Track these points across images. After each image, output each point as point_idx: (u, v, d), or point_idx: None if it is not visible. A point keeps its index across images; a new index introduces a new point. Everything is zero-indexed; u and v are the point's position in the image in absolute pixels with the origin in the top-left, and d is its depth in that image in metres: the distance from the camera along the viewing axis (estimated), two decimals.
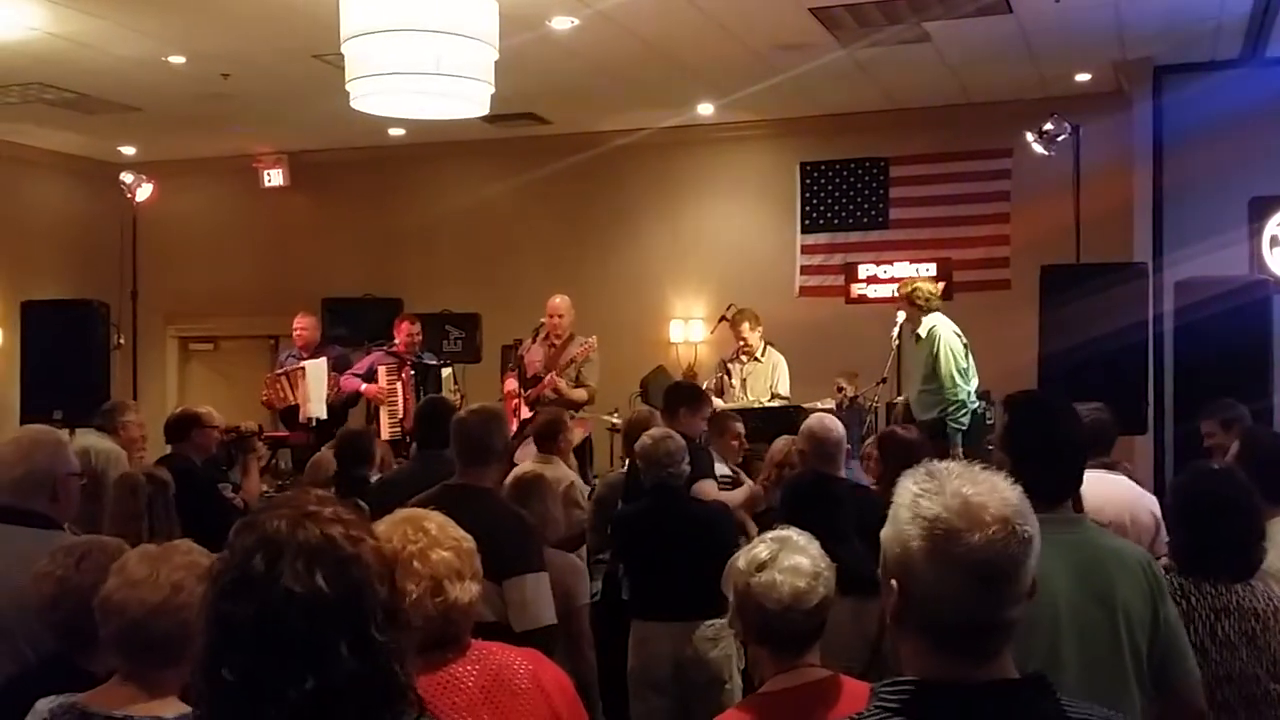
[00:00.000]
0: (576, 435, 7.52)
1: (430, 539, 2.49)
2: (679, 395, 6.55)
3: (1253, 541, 3.50)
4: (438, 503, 2.90)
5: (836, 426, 5.28)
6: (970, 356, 8.35)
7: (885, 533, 1.79)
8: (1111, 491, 4.48)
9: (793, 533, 2.89)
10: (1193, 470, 3.84)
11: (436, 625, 2.45)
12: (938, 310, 8.50)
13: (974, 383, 8.34)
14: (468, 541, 2.56)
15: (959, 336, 8.37)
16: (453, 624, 2.48)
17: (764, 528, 3.02)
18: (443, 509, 2.67)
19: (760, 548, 2.84)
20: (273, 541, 1.59)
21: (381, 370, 9.39)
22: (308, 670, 1.53)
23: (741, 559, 2.84)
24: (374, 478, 6.22)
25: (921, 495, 1.75)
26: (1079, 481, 3.05)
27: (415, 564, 2.45)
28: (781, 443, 6.37)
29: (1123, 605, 2.78)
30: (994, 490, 1.75)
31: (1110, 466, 4.87)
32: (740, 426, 6.83)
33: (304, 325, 9.97)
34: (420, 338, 9.64)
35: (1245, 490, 3.60)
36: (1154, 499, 4.83)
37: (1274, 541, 3.69)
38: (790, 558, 2.80)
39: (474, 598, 2.51)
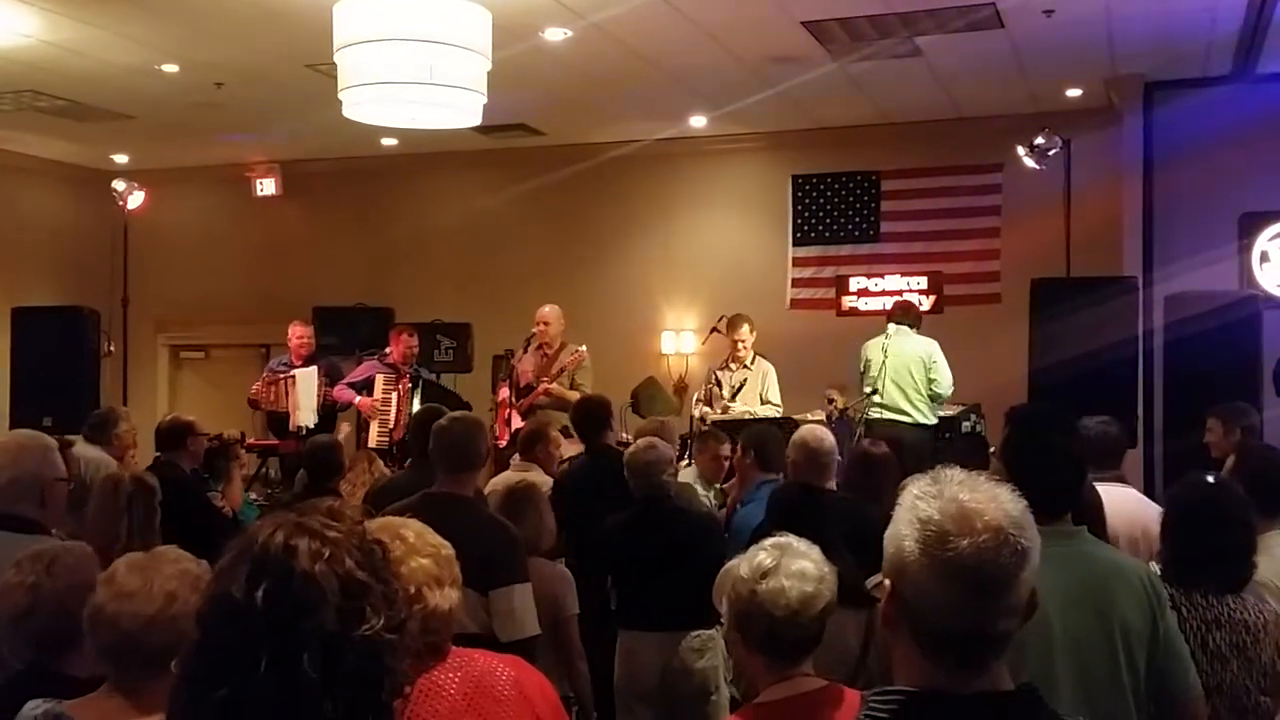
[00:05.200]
0: (569, 452, 7.53)
1: (408, 547, 2.46)
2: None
3: (1243, 554, 3.50)
4: (420, 511, 2.89)
5: (828, 437, 5.27)
6: (868, 368, 8.59)
7: (886, 535, 1.79)
8: (1121, 505, 4.48)
9: (791, 539, 2.86)
10: (1188, 482, 3.85)
11: (416, 633, 2.43)
12: (904, 327, 8.68)
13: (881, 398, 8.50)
14: (446, 548, 2.53)
15: (874, 348, 8.61)
16: (433, 632, 2.44)
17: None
18: (425, 518, 2.65)
19: (762, 555, 2.81)
20: (242, 545, 1.59)
21: (379, 379, 9.36)
22: (225, 679, 1.53)
23: (744, 567, 2.81)
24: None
25: (921, 498, 1.75)
26: (1077, 494, 3.04)
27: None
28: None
29: (1120, 619, 2.76)
30: (993, 499, 1.74)
31: (1120, 480, 4.89)
32: (726, 448, 6.69)
33: (305, 335, 9.92)
34: (417, 350, 9.62)
35: (1239, 502, 3.61)
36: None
37: (1268, 554, 3.70)
38: (795, 563, 2.78)
39: (454, 605, 2.49)
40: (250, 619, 1.53)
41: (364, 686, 1.57)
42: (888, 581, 1.78)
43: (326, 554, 1.58)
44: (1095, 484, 4.17)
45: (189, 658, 1.58)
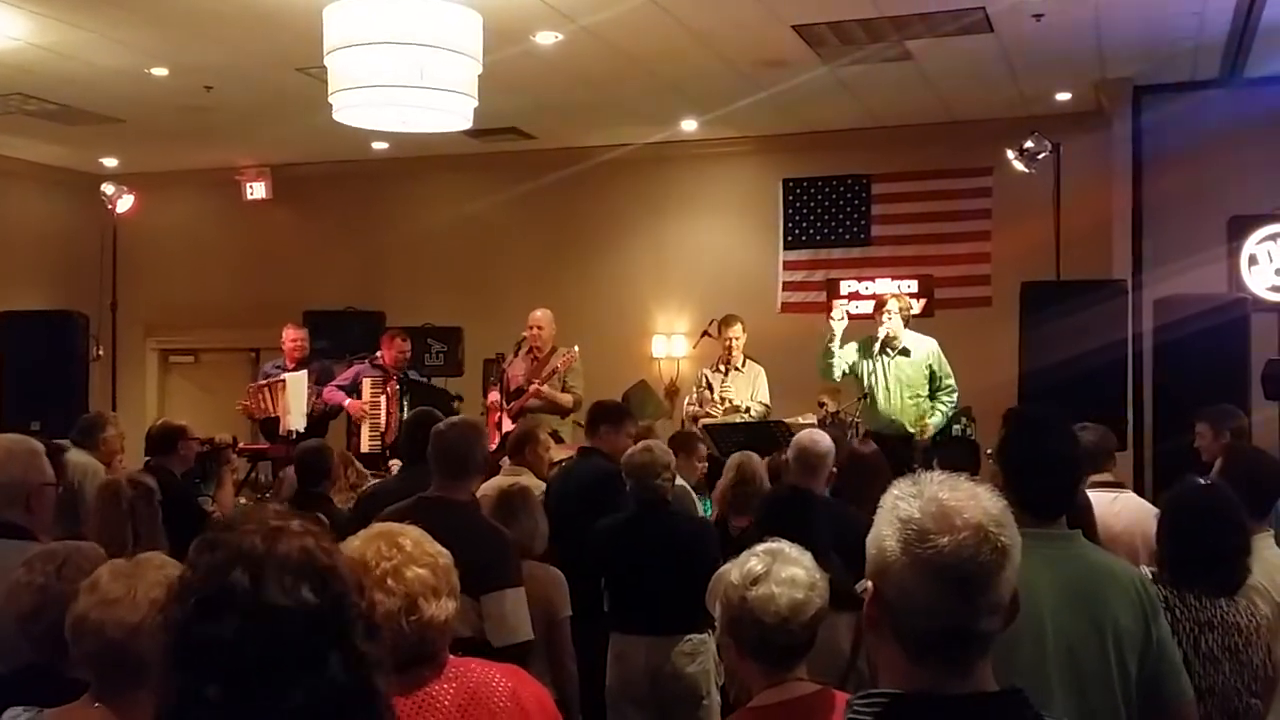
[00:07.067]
0: (559, 455, 7.52)
1: (405, 555, 2.42)
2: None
3: (1238, 556, 3.51)
4: (413, 516, 2.85)
5: (824, 440, 5.32)
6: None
7: (868, 537, 1.80)
8: (1121, 509, 4.49)
9: (784, 545, 2.86)
10: (1184, 484, 3.87)
11: (412, 644, 2.38)
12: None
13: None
14: (444, 557, 2.49)
15: None
16: (429, 642, 2.41)
17: (740, 548, 2.98)
18: (418, 522, 2.61)
19: (753, 561, 2.80)
20: (250, 557, 1.53)
21: (366, 383, 9.34)
22: (297, 684, 1.49)
23: (735, 573, 2.80)
24: (333, 494, 6.24)
25: (901, 499, 1.76)
26: (1072, 497, 3.04)
27: (389, 581, 2.38)
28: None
29: (1112, 622, 2.75)
30: (973, 498, 1.75)
31: (1116, 484, 4.90)
32: (705, 449, 6.94)
33: (299, 337, 9.91)
34: (409, 354, 9.60)
35: (1234, 505, 3.63)
36: None
37: (1257, 556, 3.72)
38: (785, 569, 2.77)
39: (450, 615, 2.45)
40: (312, 618, 1.50)
41: (358, 712, 1.54)
42: (870, 583, 1.78)
43: (324, 545, 1.57)
44: (1098, 490, 4.20)
45: (227, 682, 1.50)
